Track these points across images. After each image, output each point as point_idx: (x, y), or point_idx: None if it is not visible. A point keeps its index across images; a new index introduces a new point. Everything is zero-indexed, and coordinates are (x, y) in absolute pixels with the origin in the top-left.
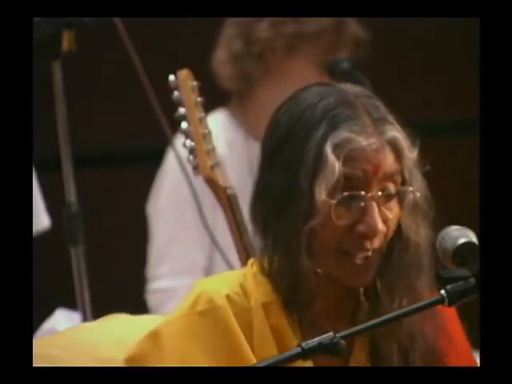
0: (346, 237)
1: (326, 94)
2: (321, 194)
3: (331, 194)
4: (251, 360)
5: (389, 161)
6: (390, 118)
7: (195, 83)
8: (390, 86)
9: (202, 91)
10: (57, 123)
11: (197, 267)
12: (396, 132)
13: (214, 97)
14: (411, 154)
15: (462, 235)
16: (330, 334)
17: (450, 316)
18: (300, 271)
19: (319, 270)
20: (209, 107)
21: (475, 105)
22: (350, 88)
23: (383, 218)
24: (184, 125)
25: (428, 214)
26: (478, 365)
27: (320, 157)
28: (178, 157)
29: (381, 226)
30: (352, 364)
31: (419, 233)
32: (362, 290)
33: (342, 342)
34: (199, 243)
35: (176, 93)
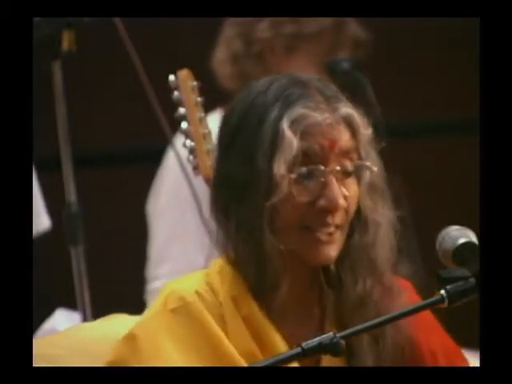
0: (308, 213)
1: (277, 79)
2: (280, 169)
3: (290, 169)
4: (230, 350)
5: (344, 137)
6: (343, 97)
7: (195, 83)
8: (390, 86)
9: (202, 91)
10: (57, 123)
11: (197, 267)
12: (350, 109)
13: (213, 97)
14: (366, 131)
15: (462, 235)
16: (330, 334)
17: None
18: (264, 249)
19: (282, 247)
20: (209, 107)
21: (475, 105)
22: (300, 74)
23: (343, 194)
24: (184, 125)
25: (385, 193)
26: (449, 338)
27: (277, 135)
28: (178, 156)
29: (341, 200)
30: None
31: (377, 211)
32: (323, 277)
33: (342, 341)
34: (199, 243)
35: (176, 93)
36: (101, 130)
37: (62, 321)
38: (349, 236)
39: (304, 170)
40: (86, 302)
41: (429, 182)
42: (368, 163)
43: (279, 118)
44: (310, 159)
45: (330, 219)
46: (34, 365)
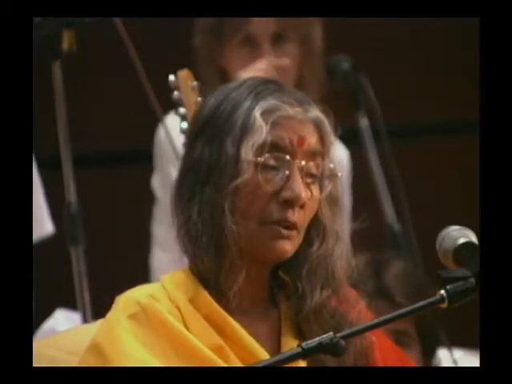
0: (269, 207)
1: (251, 78)
2: (247, 153)
3: (257, 154)
4: (198, 344)
5: (313, 137)
6: (314, 103)
7: (195, 83)
8: (390, 86)
9: (202, 91)
10: (57, 123)
11: None
12: (320, 113)
13: None
14: (333, 139)
15: (461, 235)
16: (330, 333)
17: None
18: (224, 234)
19: (241, 231)
20: None
21: (475, 105)
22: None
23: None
24: (184, 125)
25: (342, 203)
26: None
27: (247, 122)
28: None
29: (304, 193)
30: (283, 346)
31: (336, 222)
32: (277, 282)
33: (342, 341)
34: None
35: (176, 93)
36: (101, 130)
37: (61, 321)
38: (308, 245)
39: (270, 156)
40: (85, 302)
41: (429, 182)
42: (332, 166)
43: (252, 107)
44: (278, 150)
45: (290, 214)
46: (33, 365)
